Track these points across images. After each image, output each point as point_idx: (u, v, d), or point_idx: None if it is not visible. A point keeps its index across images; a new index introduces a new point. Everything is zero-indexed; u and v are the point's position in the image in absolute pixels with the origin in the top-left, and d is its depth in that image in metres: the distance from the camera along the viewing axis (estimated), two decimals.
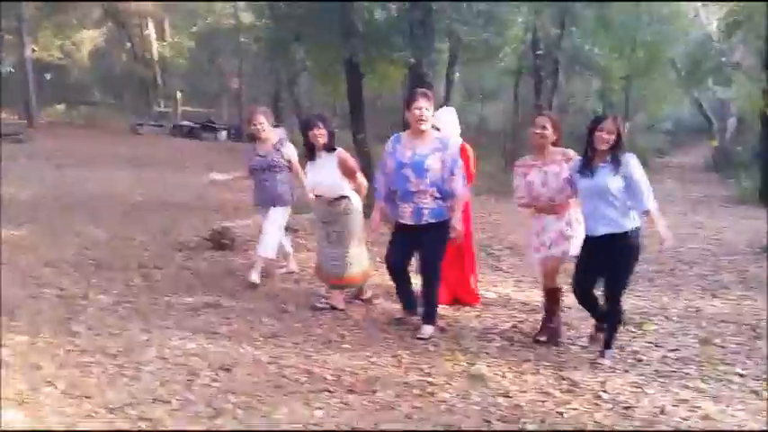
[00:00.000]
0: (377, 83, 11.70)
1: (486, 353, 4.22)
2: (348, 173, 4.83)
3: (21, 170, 12.26)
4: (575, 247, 4.29)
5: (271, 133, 5.46)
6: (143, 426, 2.98)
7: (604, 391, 3.71)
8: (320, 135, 4.76)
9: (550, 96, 14.29)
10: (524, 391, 3.65)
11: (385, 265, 4.66)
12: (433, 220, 4.34)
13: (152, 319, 4.45)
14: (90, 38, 32.67)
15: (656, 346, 4.58)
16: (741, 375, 4.03)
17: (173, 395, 3.31)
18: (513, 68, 15.52)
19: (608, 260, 3.98)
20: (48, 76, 30.75)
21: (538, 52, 13.33)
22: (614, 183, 3.86)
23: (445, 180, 4.32)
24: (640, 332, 4.84)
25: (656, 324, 5.06)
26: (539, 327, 4.60)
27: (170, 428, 2.96)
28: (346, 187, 4.85)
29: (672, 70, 19.53)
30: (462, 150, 4.91)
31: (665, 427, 3.29)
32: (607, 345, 4.22)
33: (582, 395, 3.65)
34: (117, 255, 6.17)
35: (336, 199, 4.82)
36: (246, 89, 28.48)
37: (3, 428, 2.88)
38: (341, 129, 19.90)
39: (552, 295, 4.50)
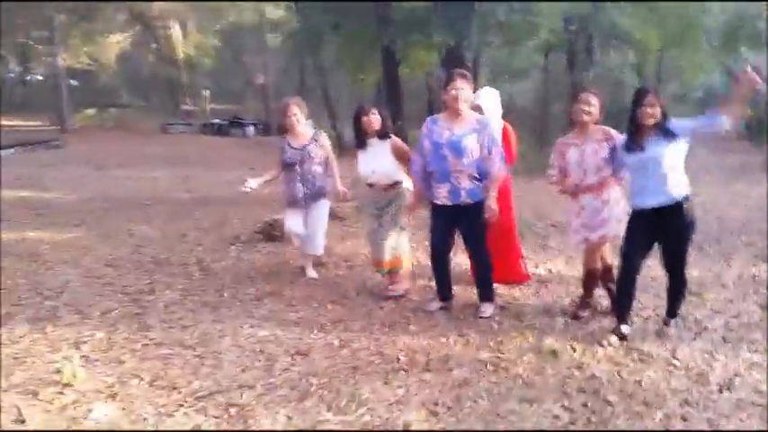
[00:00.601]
0: (409, 68, 11.68)
1: (552, 328, 4.25)
2: (403, 158, 4.79)
3: (63, 175, 12.57)
4: (614, 228, 4.24)
5: (305, 125, 5.29)
6: (233, 411, 3.08)
7: (676, 359, 3.74)
8: (375, 121, 4.76)
9: (584, 71, 14.08)
10: (598, 363, 3.67)
11: (429, 250, 4.68)
12: (470, 201, 4.33)
13: (221, 310, 4.55)
14: (116, 42, 33.15)
15: (718, 312, 4.60)
16: None
17: (257, 380, 3.41)
18: (545, 46, 15.29)
19: (665, 232, 3.94)
20: (74, 83, 31.31)
21: (571, 27, 13.12)
22: (669, 153, 3.81)
23: (483, 160, 4.31)
24: (700, 301, 4.82)
25: (714, 293, 5.03)
26: (578, 303, 4.60)
27: (260, 414, 3.05)
28: (400, 172, 4.84)
29: (706, 39, 19.11)
30: (504, 131, 4.94)
31: (743, 392, 3.29)
32: (672, 314, 4.22)
33: (655, 363, 3.67)
34: (173, 252, 6.30)
35: (392, 185, 4.83)
36: (272, 84, 28.66)
37: (95, 420, 2.99)
38: None
39: (591, 275, 4.47)
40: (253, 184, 5.15)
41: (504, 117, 5.13)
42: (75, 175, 12.58)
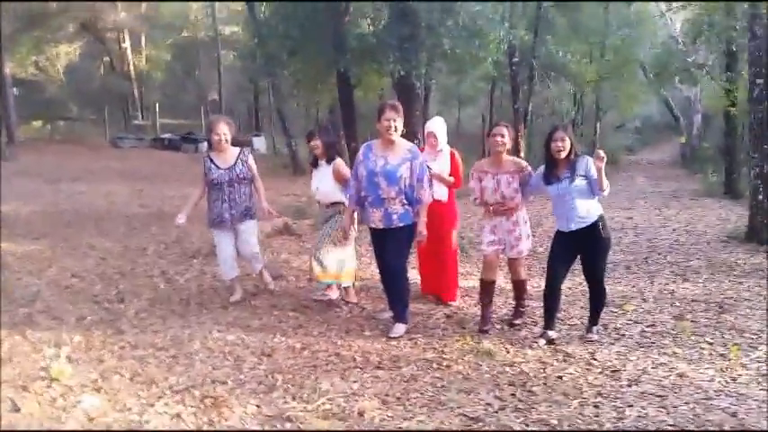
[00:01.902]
0: (363, 92, 12.29)
1: (489, 334, 4.79)
2: (341, 181, 5.15)
3: (15, 187, 12.53)
4: (526, 244, 4.91)
5: (231, 147, 5.28)
6: (208, 402, 3.48)
7: (595, 360, 4.31)
8: (316, 147, 5.19)
9: (526, 101, 14.99)
10: (527, 362, 4.22)
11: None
12: (401, 224, 4.64)
13: (188, 318, 4.93)
14: (65, 53, 32.69)
15: (636, 322, 5.19)
16: (710, 343, 4.65)
17: (227, 377, 3.82)
18: (489, 75, 16.21)
19: (583, 250, 4.55)
20: (16, 92, 30.73)
21: (514, 60, 14.02)
22: (578, 184, 4.38)
23: (413, 187, 4.60)
24: (621, 312, 5.45)
25: (635, 305, 5.68)
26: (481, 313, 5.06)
27: (233, 404, 3.46)
28: (340, 193, 5.18)
29: (640, 71, 20.40)
30: (452, 157, 5.40)
31: (648, 386, 3.88)
32: (594, 322, 4.81)
33: (576, 363, 4.24)
34: (137, 264, 6.60)
35: (332, 204, 5.23)
36: (225, 101, 28.83)
37: (84, 409, 3.34)
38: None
39: (486, 286, 4.98)
40: (182, 218, 5.19)
41: (452, 141, 5.67)
42: (28, 188, 12.55)
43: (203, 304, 5.26)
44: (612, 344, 4.66)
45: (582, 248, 4.54)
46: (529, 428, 3.28)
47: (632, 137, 26.79)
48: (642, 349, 4.55)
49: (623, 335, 4.88)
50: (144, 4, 29.67)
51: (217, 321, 4.85)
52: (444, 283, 5.58)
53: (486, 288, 4.98)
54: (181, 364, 4.01)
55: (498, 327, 4.96)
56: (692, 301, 5.82)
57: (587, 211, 4.43)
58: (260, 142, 22.39)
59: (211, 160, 5.24)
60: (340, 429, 3.21)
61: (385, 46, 8.63)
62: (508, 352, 4.41)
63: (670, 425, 3.36)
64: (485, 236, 4.94)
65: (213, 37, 26.73)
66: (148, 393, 3.58)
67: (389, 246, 4.68)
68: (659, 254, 8.04)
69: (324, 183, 5.23)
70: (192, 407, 3.43)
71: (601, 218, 4.50)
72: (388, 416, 3.39)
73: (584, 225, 4.43)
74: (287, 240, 5.87)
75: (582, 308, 5.48)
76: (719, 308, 5.49)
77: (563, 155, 4.39)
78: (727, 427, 3.30)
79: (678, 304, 5.73)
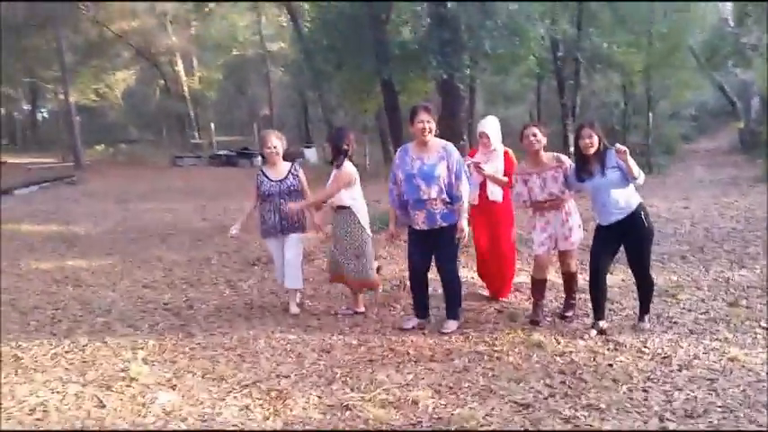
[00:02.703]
0: (407, 98, 12.51)
1: (541, 326, 4.90)
2: (333, 180, 5.17)
3: (85, 209, 13.29)
4: (579, 233, 4.97)
5: (282, 160, 5.42)
6: (273, 395, 3.75)
7: (646, 347, 4.37)
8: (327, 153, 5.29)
9: (573, 95, 14.89)
10: (578, 352, 4.32)
11: (408, 271, 5.07)
12: (446, 224, 4.67)
13: (252, 320, 5.24)
14: (122, 79, 34.29)
15: (689, 310, 5.21)
16: (765, 328, 4.64)
17: (291, 372, 4.09)
18: (535, 72, 16.18)
19: (626, 240, 4.60)
20: (78, 119, 32.38)
21: (558, 54, 13.97)
22: (611, 177, 4.46)
23: (452, 185, 4.65)
24: (674, 301, 5.46)
25: (689, 294, 5.67)
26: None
27: (296, 395, 3.72)
28: (346, 198, 5.14)
29: (692, 57, 19.91)
30: (506, 156, 5.38)
31: (699, 370, 3.93)
32: (645, 311, 4.85)
33: (627, 351, 4.31)
34: (202, 274, 6.99)
35: (338, 207, 5.22)
36: (276, 116, 29.64)
37: (161, 405, 3.65)
38: (371, 142, 20.78)
39: (537, 284, 5.08)
40: (236, 228, 5.41)
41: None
42: (97, 209, 13.28)
43: (265, 307, 5.55)
44: (665, 332, 4.70)
45: (624, 239, 4.60)
46: (578, 413, 3.40)
47: (688, 125, 26.01)
48: (694, 336, 4.59)
49: (675, 323, 4.91)
50: (193, 28, 30.80)
51: (278, 322, 5.14)
52: (500, 282, 5.64)
53: (538, 286, 5.09)
54: (247, 362, 4.31)
55: (549, 320, 5.06)
56: (748, 287, 5.77)
57: (626, 201, 4.50)
58: (311, 153, 22.91)
59: (264, 173, 5.42)
60: (395, 417, 3.41)
61: (426, 51, 8.83)
62: (559, 343, 4.51)
63: (719, 406, 3.42)
64: (536, 235, 5.01)
65: (261, 54, 27.57)
66: (219, 389, 3.87)
67: (439, 248, 4.75)
68: (716, 242, 7.93)
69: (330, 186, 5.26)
70: (258, 399, 3.70)
71: (641, 206, 4.55)
72: (441, 404, 3.57)
73: (623, 216, 4.49)
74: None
75: (634, 299, 5.47)
76: None
77: (592, 151, 4.48)
78: None
79: (733, 291, 5.70)
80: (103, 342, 4.77)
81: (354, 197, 5.18)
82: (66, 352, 4.57)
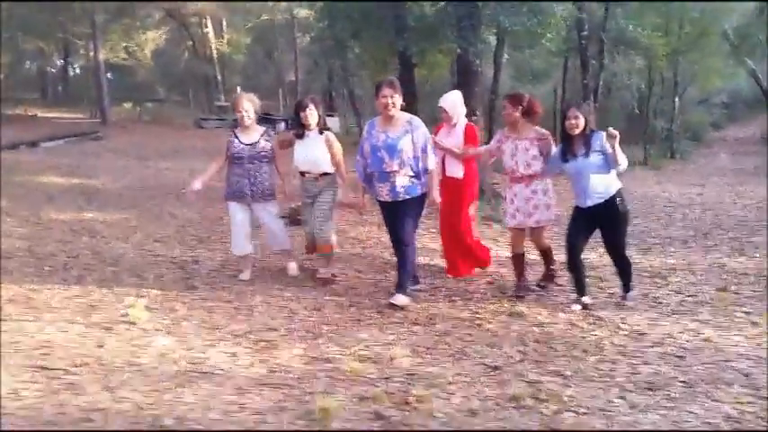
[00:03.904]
0: (426, 71, 12.57)
1: (524, 299, 5.06)
2: (334, 153, 5.23)
3: (107, 164, 13.65)
4: (546, 215, 5.03)
5: (255, 124, 5.37)
6: (261, 345, 4.00)
7: (624, 324, 4.53)
8: (310, 116, 5.15)
9: (597, 76, 14.77)
10: (557, 323, 4.49)
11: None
12: (408, 196, 4.76)
13: (253, 278, 5.49)
14: (152, 38, 34.55)
15: (677, 293, 5.33)
16: (747, 313, 4.76)
17: (281, 326, 4.34)
18: (560, 50, 16.05)
19: (601, 225, 4.70)
20: (109, 76, 32.79)
21: (583, 33, 13.84)
22: (593, 160, 4.53)
23: (418, 158, 4.73)
24: (665, 283, 5.59)
25: (680, 277, 5.78)
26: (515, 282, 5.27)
27: (283, 347, 3.96)
28: (330, 164, 5.26)
29: (723, 43, 19.52)
30: (467, 131, 5.36)
31: (670, 347, 4.08)
32: (626, 289, 4.97)
33: (605, 326, 4.47)
34: (213, 231, 7.26)
35: (322, 174, 5.27)
36: (302, 82, 29.73)
37: (156, 348, 3.91)
38: None
39: (516, 258, 5.20)
40: (198, 184, 5.28)
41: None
42: (119, 164, 13.65)
43: (266, 267, 5.80)
44: (647, 311, 4.84)
45: (600, 223, 4.70)
46: (542, 378, 3.58)
47: (719, 112, 25.57)
48: (675, 316, 4.71)
49: (660, 303, 5.04)
50: None
51: (278, 281, 5.39)
52: (453, 258, 5.64)
53: (515, 260, 5.23)
54: (242, 314, 4.57)
55: (539, 294, 5.21)
56: (741, 274, 5.86)
57: (605, 186, 4.59)
58: (333, 122, 23.01)
59: (236, 135, 5.35)
60: (371, 371, 3.63)
61: (443, 25, 8.88)
62: (540, 314, 4.69)
63: (681, 381, 3.57)
64: (506, 206, 5.19)
65: (289, 20, 27.57)
66: (212, 337, 4.13)
67: (398, 218, 4.82)
68: (723, 229, 7.99)
69: (314, 152, 5.22)
70: (247, 348, 3.95)
71: (619, 193, 4.65)
72: (416, 362, 3.79)
73: (601, 200, 4.59)
74: (346, 212, 6.26)
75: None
76: None
77: (577, 131, 4.54)
78: (736, 387, 3.47)
79: (725, 277, 5.79)
80: (110, 289, 5.06)
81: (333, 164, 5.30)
82: (75, 296, 4.87)
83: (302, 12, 24.74)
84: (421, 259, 6.00)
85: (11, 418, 2.96)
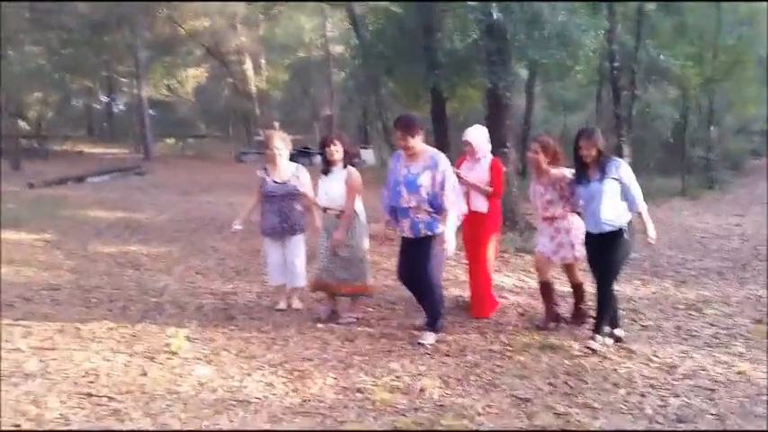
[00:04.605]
0: (458, 104, 12.79)
1: (559, 330, 5.09)
2: (348, 188, 5.09)
3: (151, 198, 14.14)
4: (569, 252, 4.99)
5: (287, 160, 5.47)
6: (296, 374, 4.13)
7: (656, 356, 4.52)
8: (334, 152, 5.12)
9: (629, 106, 14.78)
10: (588, 356, 4.51)
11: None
12: (429, 233, 4.65)
13: (290, 309, 5.64)
14: (193, 76, 35.83)
15: (711, 325, 5.29)
16: None
17: (314, 356, 4.48)
18: (592, 80, 16.13)
19: (599, 254, 4.62)
20: (152, 112, 33.97)
21: (614, 64, 13.92)
22: (607, 187, 4.48)
23: (437, 195, 4.63)
24: (699, 315, 5.55)
25: (715, 309, 5.73)
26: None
27: (316, 376, 4.09)
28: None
29: (761, 69, 19.29)
30: (493, 166, 5.32)
31: (702, 380, 4.07)
32: (596, 328, 4.71)
33: (636, 359, 4.47)
34: (251, 264, 7.46)
35: (342, 212, 5.12)
36: (337, 116, 30.36)
37: (196, 377, 4.08)
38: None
39: (544, 287, 5.18)
40: (238, 224, 5.52)
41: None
42: (161, 198, 14.12)
43: (302, 299, 5.95)
44: (680, 343, 4.82)
45: (601, 248, 4.61)
46: (571, 410, 3.62)
47: (758, 140, 25.10)
48: (708, 349, 4.69)
49: (694, 335, 5.01)
50: (261, 28, 31.85)
51: (313, 313, 5.51)
52: (475, 297, 5.52)
53: (542, 289, 5.23)
54: (278, 344, 4.73)
55: (569, 326, 5.23)
56: None
57: (616, 215, 4.52)
58: (368, 154, 23.39)
59: (268, 174, 5.46)
60: (401, 401, 3.72)
61: (473, 60, 9.08)
62: (572, 347, 4.71)
63: (711, 414, 3.58)
64: (536, 238, 5.23)
65: (325, 56, 28.32)
66: (249, 366, 4.29)
67: (420, 257, 4.72)
68: (761, 260, 7.86)
69: (335, 188, 5.14)
70: (282, 377, 4.10)
71: (629, 224, 4.57)
72: (446, 393, 3.87)
73: (610, 229, 4.53)
74: (382, 245, 6.32)
75: (660, 311, 5.65)
76: None
77: (588, 160, 4.55)
78: None
79: (762, 309, 5.72)
80: (152, 320, 5.29)
81: (359, 202, 5.23)
82: (119, 326, 5.10)
83: (337, 48, 25.40)
84: (453, 290, 6.10)
85: None
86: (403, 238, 4.84)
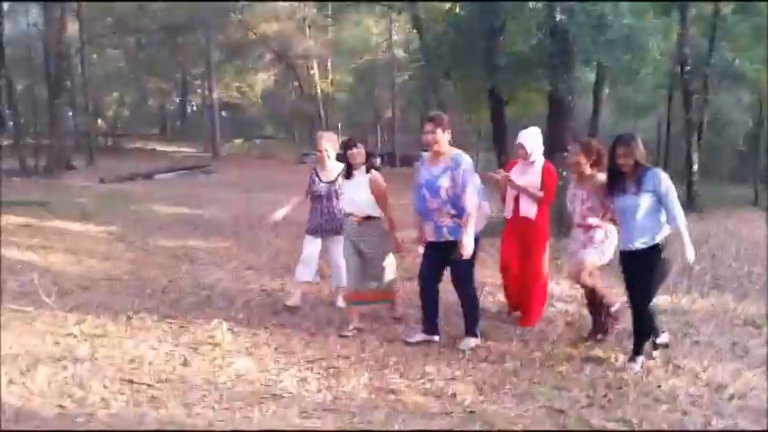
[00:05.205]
0: (520, 109, 12.58)
1: (605, 341, 4.93)
2: (378, 195, 4.96)
3: (215, 196, 14.62)
4: (604, 255, 4.75)
5: (334, 162, 5.45)
6: (331, 371, 4.18)
7: (704, 373, 4.31)
8: (357, 155, 4.98)
9: (700, 111, 14.17)
10: (631, 369, 4.35)
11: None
12: (452, 238, 4.49)
13: (332, 306, 5.73)
14: (262, 79, 36.79)
15: None
16: None
17: (351, 354, 4.53)
18: (662, 84, 15.54)
19: (634, 272, 4.28)
20: (223, 113, 35.07)
21: (686, 68, 13.36)
22: (642, 202, 4.13)
23: (458, 197, 4.47)
24: (758, 332, 5.25)
25: None
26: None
27: (350, 375, 4.13)
28: (376, 208, 5.00)
29: None
30: (545, 170, 5.12)
31: (752, 401, 3.86)
32: (637, 351, 4.41)
33: (683, 375, 4.28)
34: None
35: (366, 218, 4.99)
36: (399, 118, 30.51)
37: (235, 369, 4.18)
38: (485, 150, 20.81)
39: (586, 290, 4.93)
40: (279, 214, 5.55)
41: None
42: (226, 196, 14.57)
43: (348, 297, 6.00)
44: (733, 361, 4.58)
45: (637, 267, 4.28)
46: (607, 425, 3.51)
47: None
48: (763, 368, 4.44)
49: (749, 353, 4.75)
50: (329, 32, 32.38)
51: (356, 310, 5.55)
52: (526, 306, 5.35)
53: (586, 296, 5.04)
54: (317, 341, 4.81)
55: (617, 337, 5.05)
56: None
57: (652, 232, 4.18)
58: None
59: (317, 174, 5.56)
60: (432, 405, 3.70)
61: (534, 62, 8.93)
62: (617, 360, 4.55)
63: None
64: (569, 248, 5.03)
65: (389, 60, 28.50)
66: (287, 361, 4.39)
67: (451, 264, 4.63)
68: None
69: (359, 194, 4.99)
70: (317, 374, 4.16)
71: (666, 241, 4.21)
72: (478, 399, 3.82)
73: (644, 247, 4.20)
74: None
75: (716, 325, 5.39)
76: None
77: (626, 169, 4.20)
78: None
79: None
80: (201, 311, 5.46)
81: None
82: (168, 317, 5.30)
83: (401, 52, 25.51)
84: (499, 296, 6.01)
85: (98, 423, 3.30)
86: (427, 242, 4.76)
